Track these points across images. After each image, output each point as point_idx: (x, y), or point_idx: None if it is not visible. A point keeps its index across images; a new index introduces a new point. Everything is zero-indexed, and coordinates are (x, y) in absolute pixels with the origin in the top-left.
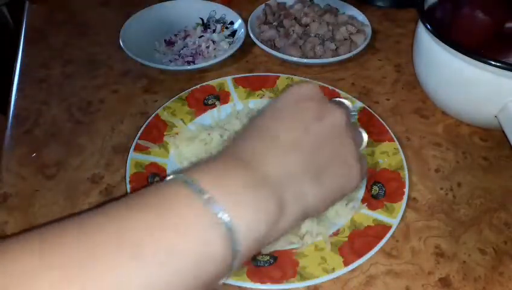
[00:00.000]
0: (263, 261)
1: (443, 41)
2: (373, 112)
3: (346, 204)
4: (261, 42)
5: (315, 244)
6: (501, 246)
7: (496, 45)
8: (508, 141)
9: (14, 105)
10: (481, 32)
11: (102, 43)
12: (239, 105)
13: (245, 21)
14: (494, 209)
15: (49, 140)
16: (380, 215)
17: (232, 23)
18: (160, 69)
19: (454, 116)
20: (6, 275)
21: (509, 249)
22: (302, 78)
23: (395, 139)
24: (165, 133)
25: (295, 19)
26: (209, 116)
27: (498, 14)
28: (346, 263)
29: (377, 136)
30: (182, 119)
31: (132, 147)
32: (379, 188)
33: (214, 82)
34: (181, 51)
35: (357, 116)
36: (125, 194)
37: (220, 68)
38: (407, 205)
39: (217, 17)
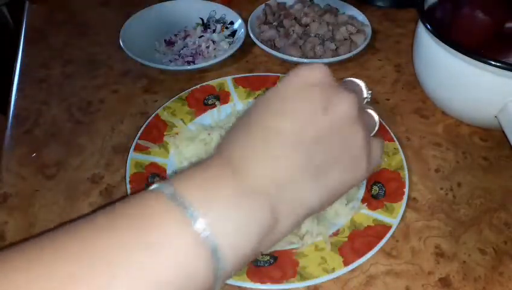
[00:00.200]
0: (263, 261)
1: (443, 41)
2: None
3: (346, 204)
4: (261, 42)
5: (315, 244)
6: (501, 246)
7: (496, 45)
8: (508, 141)
9: (14, 105)
10: (481, 32)
11: (102, 43)
12: (239, 105)
13: (245, 21)
14: (494, 209)
15: (49, 140)
16: (380, 215)
17: (232, 23)
18: (160, 69)
19: (454, 116)
20: None
21: (509, 249)
22: None
23: (395, 139)
24: (165, 133)
25: (295, 19)
26: (209, 116)
27: (498, 14)
28: (346, 263)
29: (377, 136)
30: (182, 119)
31: (132, 147)
32: (379, 188)
33: (214, 82)
34: (181, 51)
35: (370, 96)
36: (125, 196)
37: (220, 68)
38: (407, 205)
39: (217, 17)
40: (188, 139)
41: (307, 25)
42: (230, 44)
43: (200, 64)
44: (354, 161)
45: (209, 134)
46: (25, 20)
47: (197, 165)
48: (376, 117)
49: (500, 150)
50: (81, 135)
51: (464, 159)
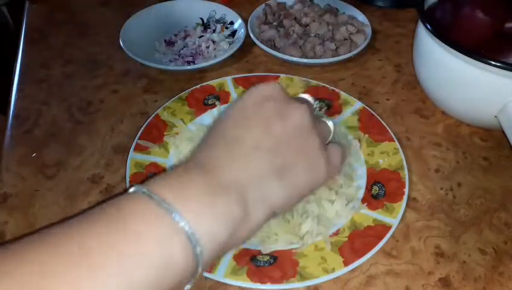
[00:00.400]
0: (263, 261)
1: (443, 41)
2: (373, 112)
3: (346, 204)
4: (261, 42)
5: (315, 244)
6: (501, 246)
7: (496, 45)
8: (508, 141)
9: (14, 105)
10: (481, 32)
11: (102, 43)
12: None
13: (245, 21)
14: (494, 209)
15: (49, 140)
16: (380, 215)
17: (232, 23)
18: (160, 69)
19: (454, 116)
20: None
21: (509, 249)
22: (302, 78)
23: (395, 139)
24: (165, 133)
25: (295, 19)
26: (209, 116)
27: (498, 14)
28: (346, 263)
29: (377, 136)
30: (182, 119)
31: (132, 147)
32: (379, 188)
33: (214, 82)
34: (181, 51)
35: (318, 108)
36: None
37: (220, 68)
38: (407, 205)
39: (217, 17)
40: (188, 139)
41: (307, 25)
42: (230, 44)
43: (200, 64)
44: (313, 164)
45: None
46: (25, 20)
47: (169, 171)
48: (331, 126)
49: (500, 150)
50: (81, 135)
51: (464, 159)
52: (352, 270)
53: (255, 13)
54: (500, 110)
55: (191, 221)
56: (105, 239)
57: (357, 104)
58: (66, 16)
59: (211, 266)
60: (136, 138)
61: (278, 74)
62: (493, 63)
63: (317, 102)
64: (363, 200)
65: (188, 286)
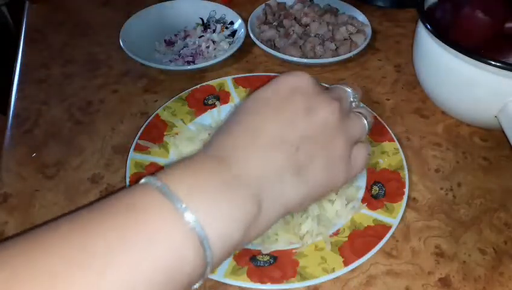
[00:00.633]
0: (263, 261)
1: (443, 41)
2: (373, 112)
3: (346, 204)
4: (261, 42)
5: (315, 244)
6: (501, 246)
7: (496, 45)
8: (508, 141)
9: (14, 105)
10: (481, 32)
11: (102, 43)
12: None
13: (245, 21)
14: (494, 209)
15: (49, 140)
16: (380, 216)
17: (232, 23)
18: (160, 69)
19: (454, 116)
20: None
21: (509, 249)
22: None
23: (395, 139)
24: (165, 133)
25: (295, 19)
26: (209, 116)
27: (498, 14)
28: (346, 263)
29: (377, 136)
30: (182, 119)
31: (132, 147)
32: (379, 188)
33: (214, 82)
34: (181, 51)
35: (358, 100)
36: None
37: (220, 68)
38: (407, 205)
39: (217, 17)
40: (188, 139)
41: (307, 25)
42: (230, 44)
43: (200, 64)
44: (332, 165)
45: (209, 134)
46: (25, 20)
47: (184, 160)
48: (366, 124)
49: (500, 150)
50: (81, 135)
51: (464, 159)
52: (352, 270)
53: (255, 13)
54: (500, 110)
55: (205, 224)
56: (114, 238)
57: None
58: (66, 16)
59: None
60: (136, 138)
61: (278, 74)
62: (493, 63)
63: (356, 95)
64: (363, 200)
65: (195, 286)
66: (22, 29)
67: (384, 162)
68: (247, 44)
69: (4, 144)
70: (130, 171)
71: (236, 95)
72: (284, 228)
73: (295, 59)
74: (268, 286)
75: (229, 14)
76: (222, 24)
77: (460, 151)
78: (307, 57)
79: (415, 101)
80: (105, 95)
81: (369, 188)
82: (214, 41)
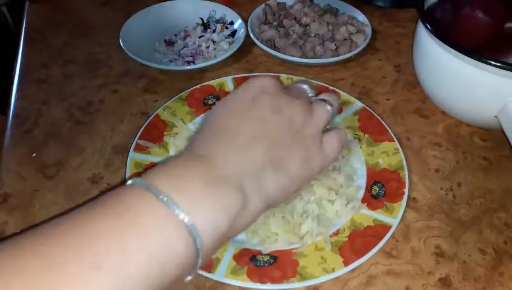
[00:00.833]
0: (263, 261)
1: (443, 41)
2: (373, 112)
3: (346, 204)
4: (261, 42)
5: (315, 244)
6: (501, 246)
7: (496, 45)
8: (508, 141)
9: (14, 105)
10: (481, 32)
11: (102, 43)
12: None
13: (245, 21)
14: (494, 209)
15: (49, 140)
16: (380, 216)
17: (232, 23)
18: (160, 69)
19: (454, 116)
20: None
21: (509, 249)
22: (302, 78)
23: (395, 139)
24: (165, 133)
25: (295, 19)
26: None
27: (498, 14)
28: (346, 263)
29: (377, 136)
30: (182, 119)
31: (132, 147)
32: (379, 188)
33: (214, 82)
34: (181, 51)
35: (313, 92)
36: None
37: (220, 68)
38: (407, 205)
39: (217, 17)
40: (188, 139)
41: (307, 25)
42: (230, 44)
43: (200, 64)
44: (307, 155)
45: None
46: (25, 20)
47: (168, 160)
48: (329, 110)
49: (500, 150)
50: (81, 135)
51: (464, 159)
52: (352, 270)
53: (255, 13)
54: (500, 110)
55: (192, 214)
56: (106, 233)
57: (357, 104)
58: (66, 16)
59: (211, 266)
60: (136, 138)
61: (278, 74)
62: (493, 63)
63: (312, 91)
64: (363, 200)
65: (188, 277)
66: (22, 29)
67: (384, 162)
68: (247, 44)
69: (4, 144)
70: (130, 171)
71: None
72: (284, 228)
73: (295, 59)
74: (268, 286)
75: (229, 14)
76: (222, 24)
77: (460, 151)
78: (307, 57)
79: (415, 101)
80: (105, 95)
81: (369, 188)
82: (214, 41)
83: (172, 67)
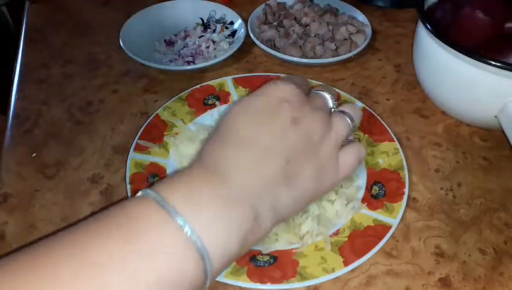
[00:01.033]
0: (263, 261)
1: (443, 41)
2: (373, 112)
3: (346, 204)
4: (261, 42)
5: (315, 244)
6: (501, 246)
7: (496, 45)
8: (508, 141)
9: (14, 105)
10: (481, 32)
11: (102, 43)
12: None
13: (245, 21)
14: (494, 209)
15: (49, 140)
16: (380, 216)
17: (232, 23)
18: (160, 69)
19: (454, 116)
20: None
21: (509, 249)
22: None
23: (395, 139)
24: (165, 133)
25: (295, 19)
26: (209, 116)
27: (498, 14)
28: (346, 263)
29: (377, 136)
30: (182, 119)
31: (132, 147)
32: (379, 188)
33: (214, 82)
34: (181, 51)
35: (336, 102)
36: (125, 198)
37: (220, 68)
38: (407, 205)
39: (217, 17)
40: (188, 139)
41: (307, 25)
42: (230, 44)
43: (200, 64)
44: (321, 172)
45: (209, 134)
46: (25, 20)
47: (179, 173)
48: (350, 124)
49: (500, 150)
50: (81, 135)
51: (464, 159)
52: (352, 270)
53: (255, 13)
54: (500, 110)
55: (204, 238)
56: (116, 250)
57: (357, 104)
58: (66, 16)
59: None
60: (136, 138)
61: (278, 74)
62: (493, 63)
63: (335, 102)
64: (363, 200)
65: None
66: (22, 29)
67: (384, 162)
68: (247, 44)
69: (4, 144)
70: (130, 171)
71: (236, 95)
72: (284, 228)
73: (295, 59)
74: (268, 286)
75: (229, 14)
76: (222, 24)
77: (460, 151)
78: (307, 57)
79: (415, 101)
80: (105, 95)
81: (369, 188)
82: (214, 41)
83: (172, 67)
